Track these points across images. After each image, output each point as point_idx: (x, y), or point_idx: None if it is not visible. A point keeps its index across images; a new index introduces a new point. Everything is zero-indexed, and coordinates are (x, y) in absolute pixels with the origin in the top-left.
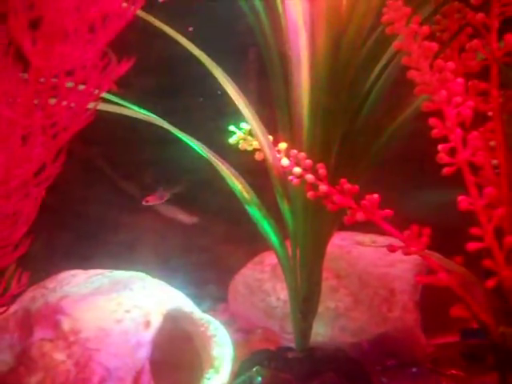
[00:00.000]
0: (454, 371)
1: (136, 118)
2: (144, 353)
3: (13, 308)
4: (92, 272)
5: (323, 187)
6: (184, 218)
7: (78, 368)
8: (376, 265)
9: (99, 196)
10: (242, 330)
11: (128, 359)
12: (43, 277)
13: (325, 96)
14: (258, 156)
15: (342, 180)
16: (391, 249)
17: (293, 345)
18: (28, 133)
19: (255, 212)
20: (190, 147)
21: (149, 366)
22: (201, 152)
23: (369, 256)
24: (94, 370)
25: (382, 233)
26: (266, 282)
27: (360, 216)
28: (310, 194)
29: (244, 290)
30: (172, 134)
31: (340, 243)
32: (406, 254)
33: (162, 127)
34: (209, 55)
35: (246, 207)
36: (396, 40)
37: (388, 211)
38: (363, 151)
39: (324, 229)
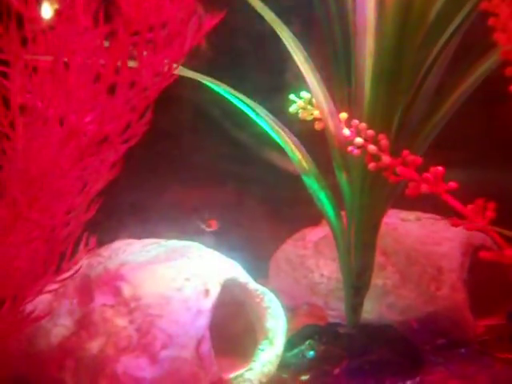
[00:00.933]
0: (506, 354)
1: None
2: (204, 321)
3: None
4: (147, 241)
5: (386, 158)
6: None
7: (139, 333)
8: (423, 242)
9: None
10: (285, 306)
11: (189, 327)
12: None
13: (390, 62)
14: (317, 126)
15: (405, 151)
16: (454, 223)
17: (338, 321)
18: (117, 88)
19: (313, 183)
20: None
21: (209, 335)
22: (261, 120)
23: (416, 233)
24: (156, 336)
25: (425, 210)
26: (308, 258)
27: (424, 188)
28: (371, 166)
29: (286, 266)
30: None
31: (385, 220)
32: (470, 228)
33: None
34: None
35: (303, 178)
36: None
37: (453, 184)
38: (424, 122)
39: (380, 202)
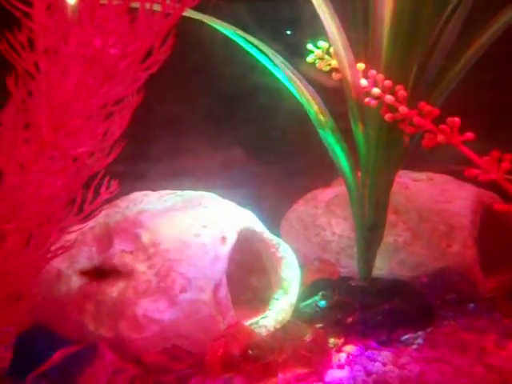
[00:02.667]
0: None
1: None
2: (221, 266)
3: (89, 223)
4: (163, 192)
5: (403, 108)
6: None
7: (158, 278)
8: (435, 201)
9: None
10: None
11: (207, 271)
12: None
13: (409, 13)
14: (335, 76)
15: (422, 102)
16: (470, 172)
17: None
18: (134, 17)
19: (329, 136)
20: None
21: (225, 280)
22: (277, 70)
23: (427, 192)
24: (174, 280)
25: (436, 170)
26: (320, 217)
27: (440, 139)
28: (387, 116)
29: (297, 225)
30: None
31: (397, 180)
32: (485, 179)
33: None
34: None
35: (319, 131)
36: None
37: (469, 134)
38: (441, 75)
39: (395, 157)
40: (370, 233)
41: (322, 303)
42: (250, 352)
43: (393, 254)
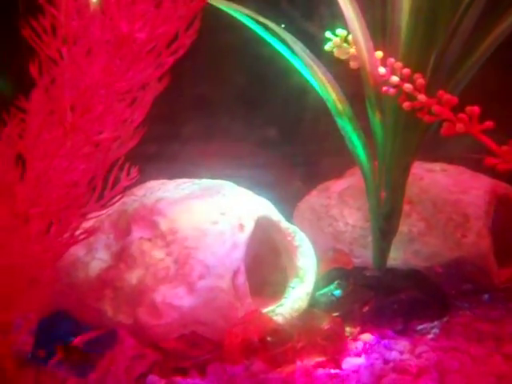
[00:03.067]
0: None
1: None
2: (239, 254)
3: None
4: (180, 180)
5: (422, 97)
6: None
7: (177, 265)
8: (449, 191)
9: None
10: None
11: (226, 258)
12: None
13: (428, 0)
14: (352, 64)
15: (440, 91)
16: (488, 161)
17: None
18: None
19: (346, 124)
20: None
21: (243, 268)
22: (295, 58)
23: (441, 183)
24: (193, 267)
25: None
26: (332, 207)
27: (459, 128)
28: (405, 105)
29: (310, 215)
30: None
31: (411, 171)
32: (504, 168)
33: None
34: None
35: (336, 119)
36: None
37: (488, 123)
38: (460, 63)
39: (411, 146)
40: (386, 222)
41: (338, 292)
42: (269, 339)
43: (407, 245)
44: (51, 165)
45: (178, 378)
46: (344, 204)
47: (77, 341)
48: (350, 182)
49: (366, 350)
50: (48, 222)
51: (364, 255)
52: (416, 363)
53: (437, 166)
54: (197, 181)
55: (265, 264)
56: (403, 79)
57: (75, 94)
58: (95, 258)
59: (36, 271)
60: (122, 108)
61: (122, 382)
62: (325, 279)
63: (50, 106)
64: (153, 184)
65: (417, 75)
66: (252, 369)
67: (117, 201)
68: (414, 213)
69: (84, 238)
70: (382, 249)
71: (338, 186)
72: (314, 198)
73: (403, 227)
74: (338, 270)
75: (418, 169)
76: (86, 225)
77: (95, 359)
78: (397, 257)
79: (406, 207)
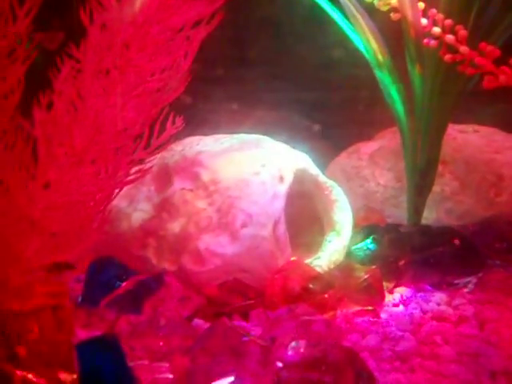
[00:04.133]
0: None
1: None
2: (280, 204)
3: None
4: (218, 136)
5: (464, 48)
6: None
7: (219, 214)
8: (483, 151)
9: None
10: None
11: (267, 208)
12: None
13: None
14: (394, 16)
15: (482, 43)
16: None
17: None
18: None
19: (385, 77)
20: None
21: (284, 218)
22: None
23: (475, 143)
24: (235, 216)
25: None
26: (363, 168)
27: (502, 80)
28: (447, 57)
29: (341, 176)
30: None
31: None
32: None
33: None
34: None
35: (376, 72)
36: None
37: None
38: (502, 14)
39: (449, 100)
40: (422, 178)
41: (373, 246)
42: (311, 286)
43: (440, 204)
44: (107, 104)
45: (225, 320)
46: (375, 165)
47: (128, 283)
48: (380, 144)
49: (404, 301)
50: (101, 165)
51: (395, 215)
52: (455, 313)
53: (469, 128)
54: (235, 135)
55: (302, 217)
56: (445, 31)
57: (130, 31)
58: (137, 209)
59: (91, 211)
60: (174, 47)
61: (170, 322)
62: (360, 234)
63: (105, 43)
64: (191, 139)
65: (458, 26)
66: (296, 311)
67: (163, 149)
68: (447, 172)
69: (133, 181)
70: (417, 205)
71: (368, 147)
72: (345, 160)
73: (436, 187)
74: (372, 226)
75: (450, 129)
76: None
77: (144, 301)
78: (429, 216)
79: (439, 167)
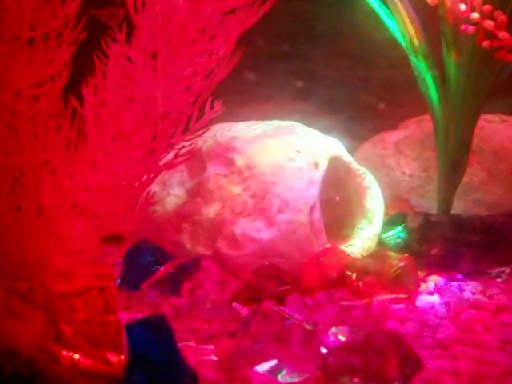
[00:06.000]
0: None
1: None
2: (315, 190)
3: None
4: (250, 122)
5: (503, 34)
6: None
7: (255, 199)
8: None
9: None
10: None
11: (303, 193)
12: None
13: None
14: (431, 1)
15: None
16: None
17: None
18: None
19: (420, 63)
20: None
21: (319, 204)
22: None
23: (503, 133)
24: (271, 201)
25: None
26: (388, 157)
27: None
28: (485, 43)
29: (366, 165)
30: None
31: None
32: None
33: None
34: None
35: (411, 58)
36: None
37: None
38: None
39: (484, 89)
40: (454, 166)
41: (404, 235)
42: (347, 272)
43: (468, 194)
44: (157, 86)
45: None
46: (400, 154)
47: (167, 266)
48: (405, 133)
49: (438, 290)
50: (147, 148)
51: (422, 204)
52: (491, 302)
53: (496, 117)
54: (268, 122)
55: (334, 205)
56: (483, 16)
57: (183, 12)
58: (170, 194)
59: (136, 193)
60: (225, 30)
61: (214, 305)
62: (390, 222)
63: (157, 24)
64: (222, 125)
65: (498, 12)
66: (335, 296)
67: (202, 133)
68: (475, 162)
69: (175, 165)
70: (447, 195)
71: (393, 137)
72: (369, 149)
73: (464, 177)
74: (402, 214)
75: None
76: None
77: (183, 283)
78: (457, 206)
79: None
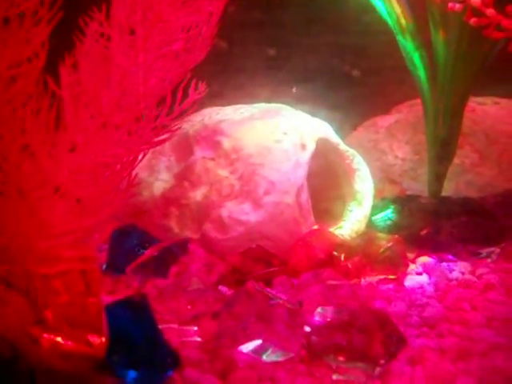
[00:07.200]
0: None
1: None
2: (303, 171)
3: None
4: (238, 106)
5: (491, 11)
6: None
7: (242, 181)
8: (503, 122)
9: None
10: None
11: (290, 175)
12: None
13: None
14: None
15: (510, 6)
16: None
17: None
18: None
19: (407, 43)
20: None
21: (306, 186)
22: None
23: (494, 114)
24: (258, 183)
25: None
26: (381, 141)
27: None
28: (472, 21)
29: (358, 149)
30: None
31: None
32: None
33: None
34: None
35: (398, 38)
36: None
37: None
38: None
39: (472, 69)
40: (443, 147)
41: (394, 216)
42: (335, 253)
43: (460, 176)
44: (133, 64)
45: (252, 284)
46: (393, 138)
47: (150, 251)
48: (397, 118)
49: (427, 270)
50: (126, 129)
51: (414, 187)
52: (479, 281)
53: (488, 100)
54: (255, 105)
55: (323, 187)
56: None
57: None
58: (158, 178)
59: (117, 176)
60: (202, 4)
61: (197, 286)
62: (381, 205)
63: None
64: (210, 110)
65: None
66: (322, 276)
67: (187, 115)
68: (467, 144)
69: (159, 144)
70: (438, 175)
71: (385, 121)
72: (362, 134)
73: (455, 159)
74: (393, 197)
75: (469, 101)
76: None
77: (169, 266)
78: (449, 188)
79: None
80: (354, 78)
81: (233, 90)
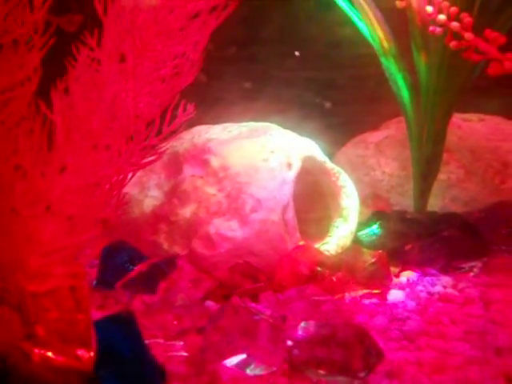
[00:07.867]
0: None
1: None
2: (289, 190)
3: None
4: (226, 124)
5: (469, 35)
6: None
7: (229, 199)
8: (488, 139)
9: None
10: None
11: (276, 193)
12: None
13: None
14: (399, 4)
15: (487, 29)
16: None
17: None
18: None
19: (391, 65)
20: None
21: (292, 204)
22: None
23: (480, 131)
24: (245, 201)
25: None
26: (369, 157)
27: (507, 67)
28: (452, 44)
29: (347, 165)
30: None
31: None
32: None
33: None
34: None
35: (381, 60)
36: None
37: None
38: (506, 2)
39: (455, 88)
40: (427, 165)
41: (380, 232)
42: (319, 269)
43: (445, 191)
44: (123, 89)
45: (236, 299)
46: (381, 154)
47: (139, 267)
48: (386, 134)
49: (410, 285)
50: (116, 150)
51: (401, 203)
52: (460, 295)
53: (473, 117)
54: (243, 124)
55: (309, 204)
56: (450, 18)
57: (147, 17)
58: (148, 195)
59: (107, 195)
60: (188, 34)
61: (185, 302)
62: (367, 220)
63: (122, 28)
64: (200, 128)
65: (464, 14)
66: (306, 292)
67: (175, 136)
68: (453, 161)
69: (146, 166)
70: (423, 192)
71: (374, 137)
72: (350, 150)
73: (441, 175)
74: (379, 212)
75: (455, 118)
76: None
77: (158, 282)
78: (435, 203)
79: (444, 155)
80: (326, 108)
81: (211, 119)
